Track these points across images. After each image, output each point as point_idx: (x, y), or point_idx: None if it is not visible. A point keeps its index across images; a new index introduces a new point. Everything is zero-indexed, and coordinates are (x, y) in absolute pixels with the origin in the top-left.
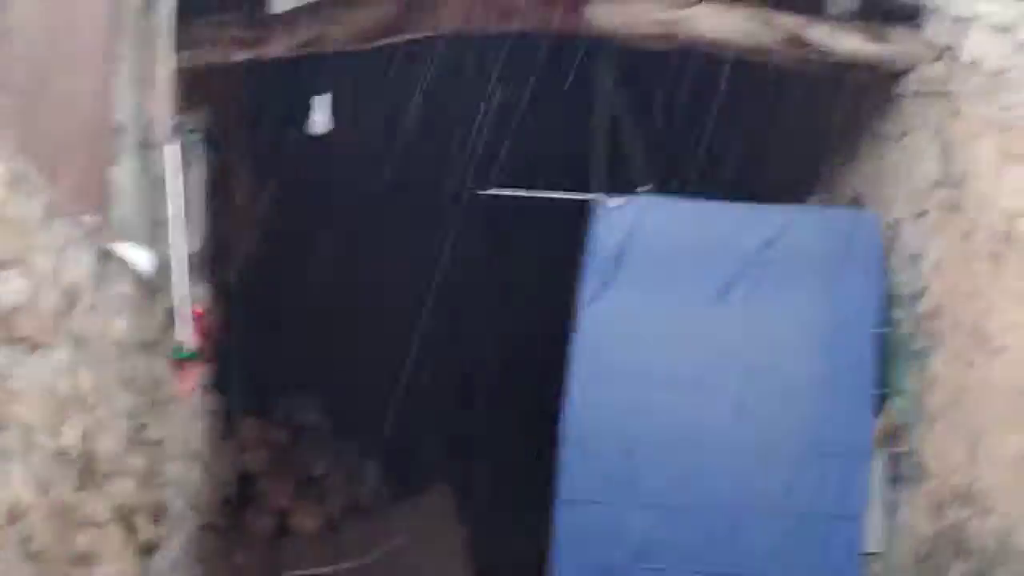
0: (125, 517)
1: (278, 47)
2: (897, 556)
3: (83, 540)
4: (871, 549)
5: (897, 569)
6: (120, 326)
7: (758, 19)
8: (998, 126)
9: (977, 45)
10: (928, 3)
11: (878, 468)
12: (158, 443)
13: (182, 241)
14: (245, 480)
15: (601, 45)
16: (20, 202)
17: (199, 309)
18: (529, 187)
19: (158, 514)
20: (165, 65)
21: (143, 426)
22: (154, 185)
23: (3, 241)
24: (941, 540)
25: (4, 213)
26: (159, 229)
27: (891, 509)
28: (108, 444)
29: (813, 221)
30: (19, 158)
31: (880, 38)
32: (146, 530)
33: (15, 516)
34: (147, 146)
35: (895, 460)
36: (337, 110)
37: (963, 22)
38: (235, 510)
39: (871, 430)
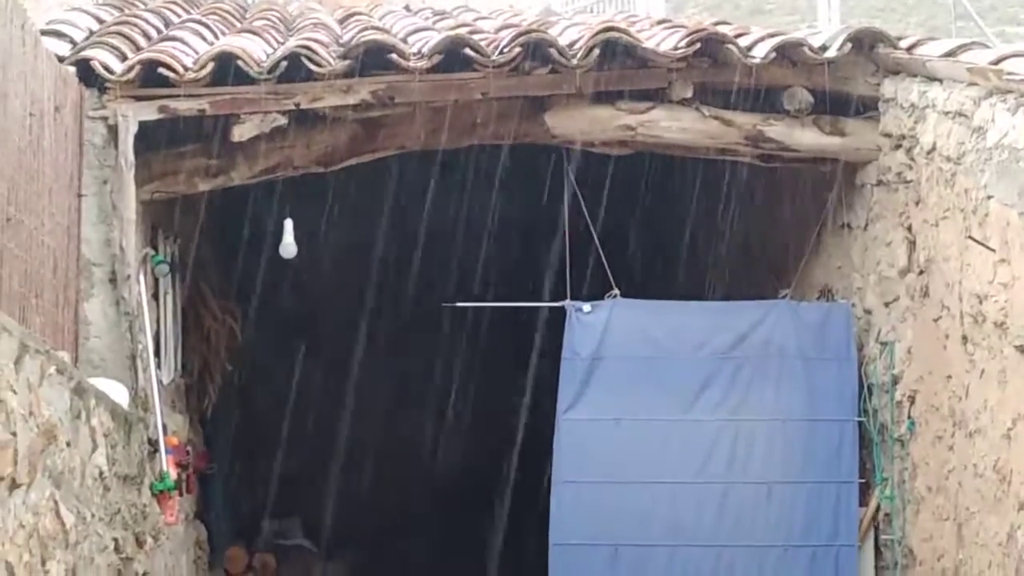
0: None
1: (241, 174)
2: None
3: None
4: None
5: None
6: (99, 461)
7: (716, 120)
8: (960, 210)
9: (934, 132)
10: (883, 93)
11: (867, 556)
12: None
13: (156, 372)
14: None
15: (562, 152)
16: None
17: (176, 440)
18: (500, 295)
19: None
20: (130, 198)
21: (128, 560)
22: (126, 317)
23: None
24: None
25: None
26: (133, 361)
27: None
28: None
29: (785, 315)
30: None
31: (838, 131)
32: None
33: None
34: (117, 279)
35: (883, 548)
36: (305, 231)
37: (918, 110)
38: None
39: (857, 519)
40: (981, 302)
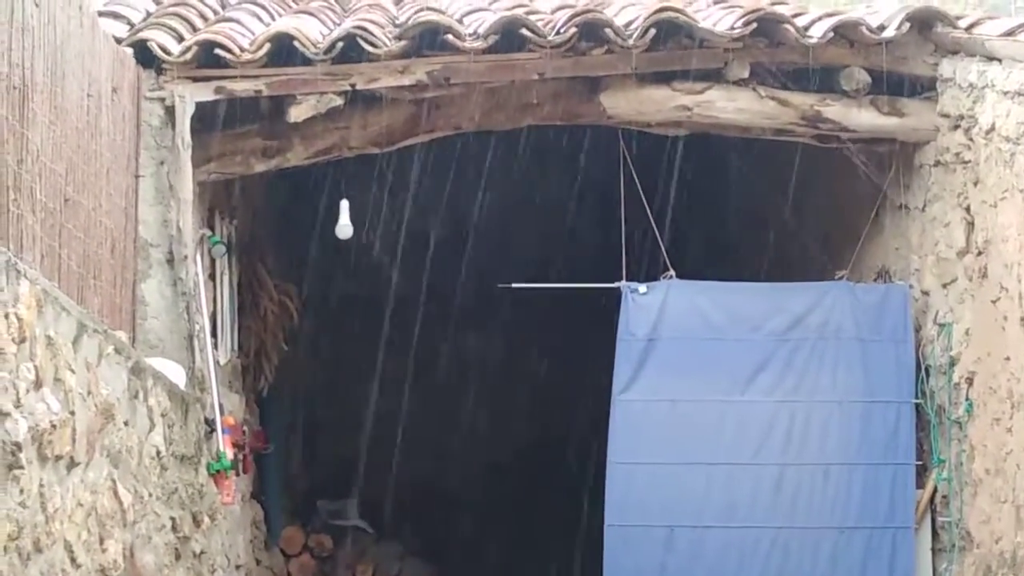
0: None
1: (297, 155)
2: None
3: None
4: None
5: None
6: (156, 440)
7: (772, 100)
8: (1019, 190)
9: (993, 112)
10: (941, 73)
11: (924, 539)
12: (201, 555)
13: (213, 352)
14: None
15: (617, 133)
16: (50, 321)
17: (233, 420)
18: (554, 278)
19: None
20: (187, 179)
21: (185, 539)
22: (183, 298)
23: (36, 360)
24: None
25: (35, 332)
26: (190, 341)
27: None
28: (151, 559)
29: (842, 296)
30: (48, 278)
31: (895, 111)
32: None
33: None
34: (174, 260)
35: (940, 530)
36: (360, 211)
37: (977, 90)
38: None
39: (913, 502)
40: None
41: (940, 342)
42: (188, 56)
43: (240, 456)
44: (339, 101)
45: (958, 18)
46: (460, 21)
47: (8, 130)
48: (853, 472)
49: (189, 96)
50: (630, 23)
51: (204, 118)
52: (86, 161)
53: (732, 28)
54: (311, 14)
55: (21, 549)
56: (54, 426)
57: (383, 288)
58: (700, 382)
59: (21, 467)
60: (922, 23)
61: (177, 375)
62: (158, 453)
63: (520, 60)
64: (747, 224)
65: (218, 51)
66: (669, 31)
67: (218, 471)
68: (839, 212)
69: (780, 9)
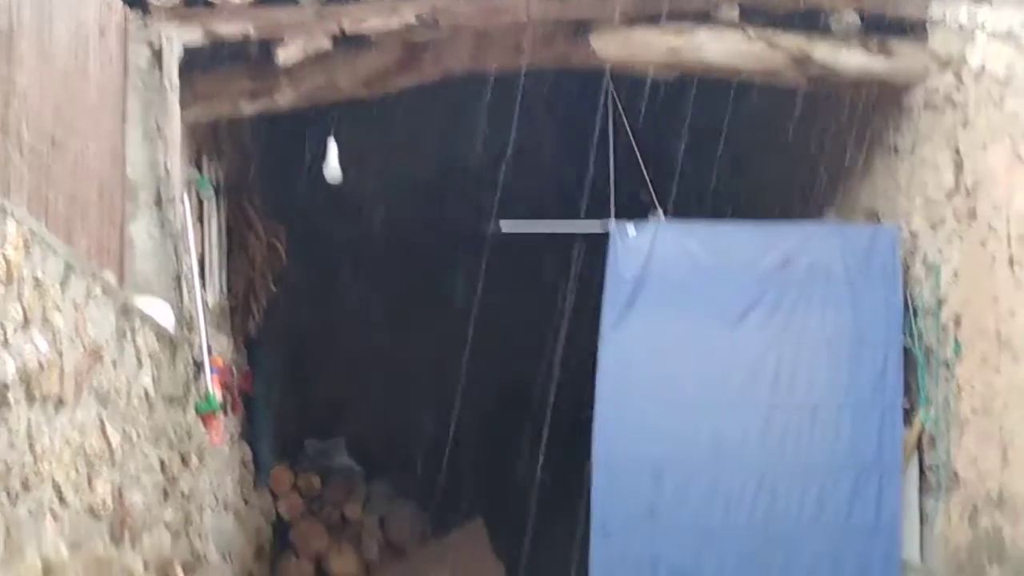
0: (161, 570)
1: (286, 98)
2: (934, 566)
3: None
4: (908, 560)
5: None
6: (144, 381)
7: (761, 41)
8: (1008, 132)
9: (983, 53)
10: (931, 15)
11: (910, 479)
12: (189, 495)
13: (201, 293)
14: (279, 527)
15: (607, 75)
16: (38, 262)
17: (221, 361)
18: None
19: (194, 565)
20: (175, 121)
21: (173, 479)
22: (171, 239)
23: (23, 301)
24: (977, 547)
25: (22, 273)
26: (178, 282)
27: (926, 519)
28: (140, 498)
29: (831, 237)
30: (35, 218)
31: (885, 52)
32: None
33: (51, 573)
34: (162, 201)
35: (927, 471)
36: (349, 154)
37: (967, 31)
38: (271, 558)
39: (901, 442)
40: None
41: (928, 283)
42: None
43: (228, 397)
44: (327, 43)
45: None
46: None
47: None
48: (841, 413)
49: (176, 38)
50: None
51: (192, 59)
52: (73, 103)
53: None
54: None
55: (9, 488)
56: (42, 366)
57: (372, 230)
58: (689, 322)
59: (9, 407)
60: None
61: (165, 316)
62: (146, 394)
63: (509, 2)
64: (736, 166)
65: None
66: None
67: (206, 412)
68: (828, 154)
69: None
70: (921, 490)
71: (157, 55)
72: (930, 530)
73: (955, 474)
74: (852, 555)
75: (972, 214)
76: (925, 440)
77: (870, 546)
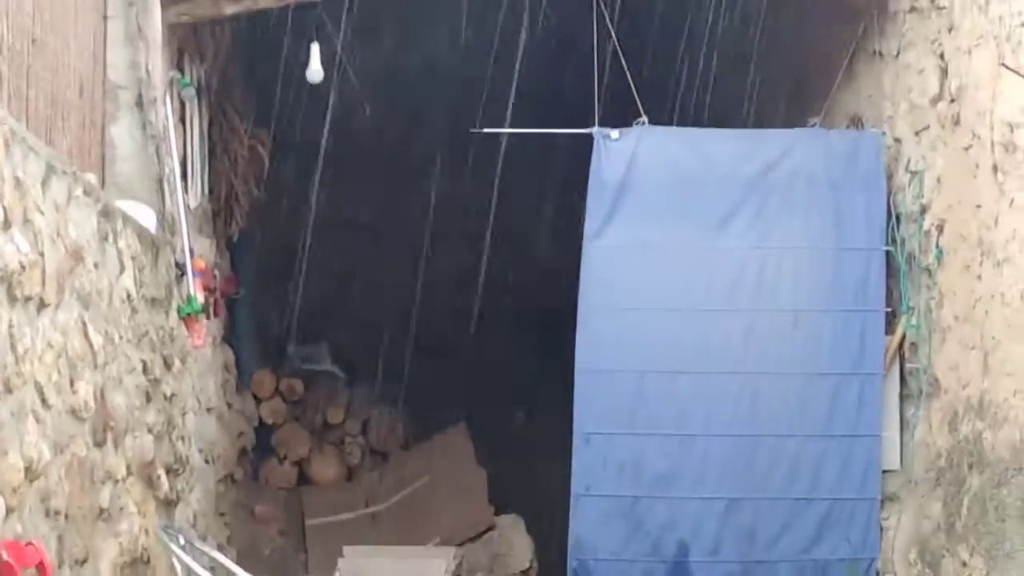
0: (144, 472)
1: None
2: (915, 471)
3: (103, 496)
4: (889, 466)
5: (915, 484)
6: (126, 283)
7: None
8: (993, 37)
9: None
10: None
11: (892, 385)
12: (172, 398)
13: (183, 196)
14: (262, 431)
15: None
16: (18, 162)
17: (204, 263)
18: (529, 123)
19: (177, 468)
20: (156, 21)
21: (156, 381)
22: (152, 141)
23: (4, 201)
24: (957, 453)
25: (3, 173)
26: (160, 185)
27: (906, 425)
28: (122, 400)
29: (814, 143)
30: (15, 118)
31: None
32: (165, 484)
33: (33, 474)
34: (143, 103)
35: (908, 376)
36: (331, 57)
37: None
38: (254, 461)
39: (882, 348)
40: (1012, 131)
41: (911, 189)
42: None
43: (211, 300)
44: None
45: None
46: None
47: None
48: (823, 318)
49: None
50: None
51: None
52: (53, 2)
53: None
54: None
55: None
56: (23, 267)
57: (355, 134)
58: (672, 228)
59: None
60: None
61: (147, 218)
62: (128, 296)
63: None
64: (720, 71)
65: None
66: None
67: (189, 314)
68: (812, 59)
69: None
70: (902, 396)
71: None
72: (910, 436)
73: (936, 380)
74: (833, 460)
75: (956, 120)
76: (907, 346)
77: (851, 451)
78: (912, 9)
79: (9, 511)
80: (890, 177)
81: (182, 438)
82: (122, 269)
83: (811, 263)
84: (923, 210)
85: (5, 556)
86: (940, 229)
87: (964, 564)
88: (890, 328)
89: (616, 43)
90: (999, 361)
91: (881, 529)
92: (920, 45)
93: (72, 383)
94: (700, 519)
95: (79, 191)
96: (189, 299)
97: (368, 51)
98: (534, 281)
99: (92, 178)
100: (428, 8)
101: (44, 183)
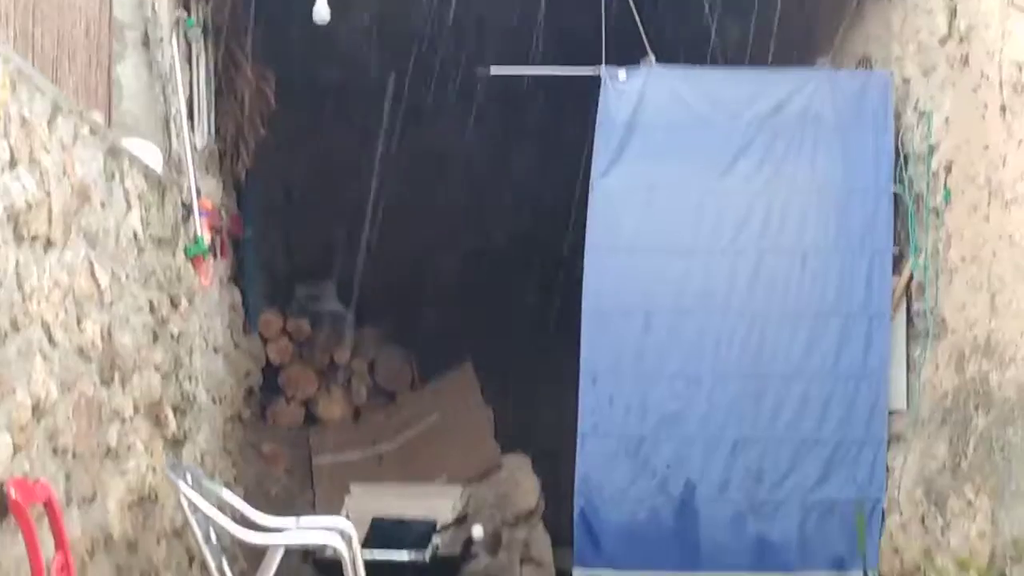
0: (151, 411)
1: None
2: (921, 412)
3: (111, 434)
4: (895, 407)
5: (922, 425)
6: (133, 223)
7: None
8: None
9: None
10: None
11: (898, 326)
12: (179, 337)
13: (190, 136)
14: (269, 371)
15: None
16: (24, 101)
17: (210, 203)
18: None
19: (184, 407)
20: None
21: (163, 321)
22: (159, 81)
23: (10, 140)
24: (963, 394)
25: (9, 112)
26: (166, 124)
27: (913, 366)
28: (129, 340)
29: (822, 83)
30: (21, 57)
31: None
32: (173, 423)
33: (40, 412)
34: (149, 42)
35: (915, 317)
36: None
37: None
38: (261, 401)
39: (890, 289)
40: (1021, 71)
41: (920, 130)
42: None
43: (217, 240)
44: None
45: None
46: None
47: None
48: (830, 259)
49: None
50: None
51: None
52: None
53: None
54: None
55: None
56: (30, 206)
57: (362, 73)
58: (679, 168)
59: None
60: None
61: (153, 158)
62: (135, 235)
63: None
64: (728, 10)
65: None
66: None
67: (195, 254)
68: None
69: None
70: (909, 337)
71: None
72: (917, 376)
73: (943, 321)
74: (839, 400)
75: (965, 60)
76: (914, 287)
77: (857, 392)
78: None
79: (17, 449)
80: (898, 117)
81: (189, 377)
82: (128, 208)
83: (819, 204)
84: (931, 151)
85: (13, 494)
86: (948, 170)
87: (970, 503)
88: (897, 269)
89: None
90: (1006, 301)
91: (887, 469)
92: None
93: (79, 322)
94: (707, 459)
95: (85, 130)
96: (196, 239)
97: None
98: (542, 222)
99: (98, 117)
100: None
101: (50, 122)
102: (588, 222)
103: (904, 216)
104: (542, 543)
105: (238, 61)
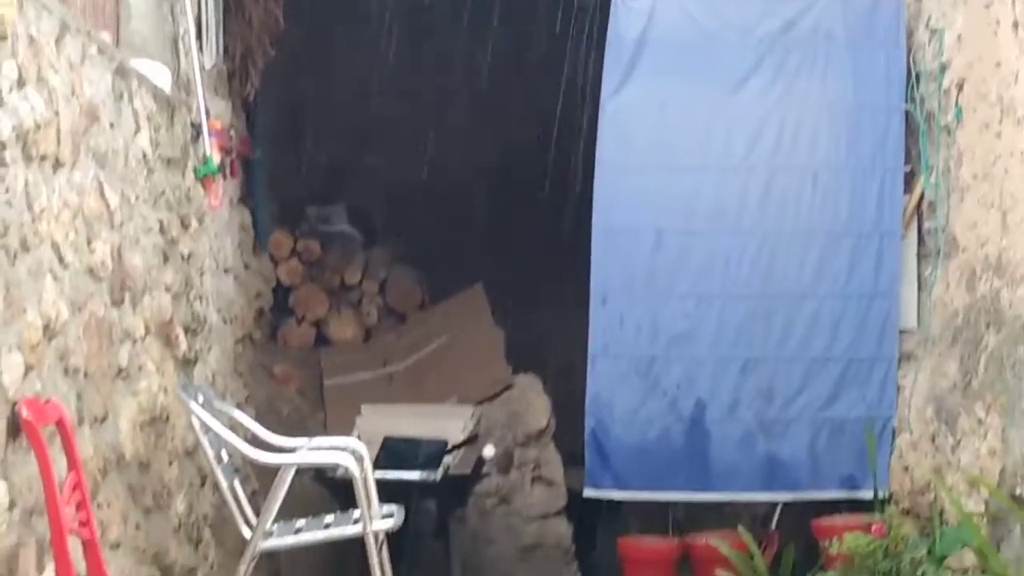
0: (162, 331)
1: None
2: (932, 330)
3: (122, 355)
4: (906, 325)
5: (933, 343)
6: (142, 143)
7: None
8: None
9: None
10: None
11: (910, 244)
12: (190, 258)
13: (199, 56)
14: (280, 292)
15: None
16: (32, 19)
17: (220, 124)
18: None
19: (195, 328)
20: None
21: (173, 242)
22: (167, 1)
23: (17, 59)
24: (974, 312)
25: (16, 30)
26: (175, 44)
27: (924, 285)
28: (139, 260)
29: (834, 1)
30: None
31: None
32: (184, 344)
33: (51, 332)
34: None
35: (926, 235)
36: None
37: None
38: (271, 322)
39: (900, 207)
40: None
41: (931, 48)
42: None
43: (227, 161)
44: None
45: None
46: None
47: None
48: (841, 177)
49: None
50: None
51: None
52: None
53: None
54: None
55: (8, 247)
56: (38, 125)
57: None
58: (690, 86)
59: (5, 165)
60: None
61: (162, 78)
62: (144, 156)
63: None
64: None
65: None
66: None
67: (205, 175)
68: None
69: None
70: (919, 256)
71: None
72: (928, 295)
73: (954, 239)
74: (850, 319)
75: None
76: (925, 205)
77: (868, 310)
78: None
79: (28, 369)
80: (910, 35)
81: (200, 298)
82: (137, 129)
83: (830, 122)
84: (943, 68)
85: (25, 413)
86: (960, 87)
87: (980, 422)
88: (908, 187)
89: None
90: (1017, 219)
91: (898, 388)
92: None
93: (89, 242)
94: (717, 379)
95: (93, 49)
96: (205, 159)
97: None
98: (553, 140)
99: (106, 36)
100: None
101: (58, 41)
102: (598, 140)
103: (915, 134)
104: (553, 463)
105: None
